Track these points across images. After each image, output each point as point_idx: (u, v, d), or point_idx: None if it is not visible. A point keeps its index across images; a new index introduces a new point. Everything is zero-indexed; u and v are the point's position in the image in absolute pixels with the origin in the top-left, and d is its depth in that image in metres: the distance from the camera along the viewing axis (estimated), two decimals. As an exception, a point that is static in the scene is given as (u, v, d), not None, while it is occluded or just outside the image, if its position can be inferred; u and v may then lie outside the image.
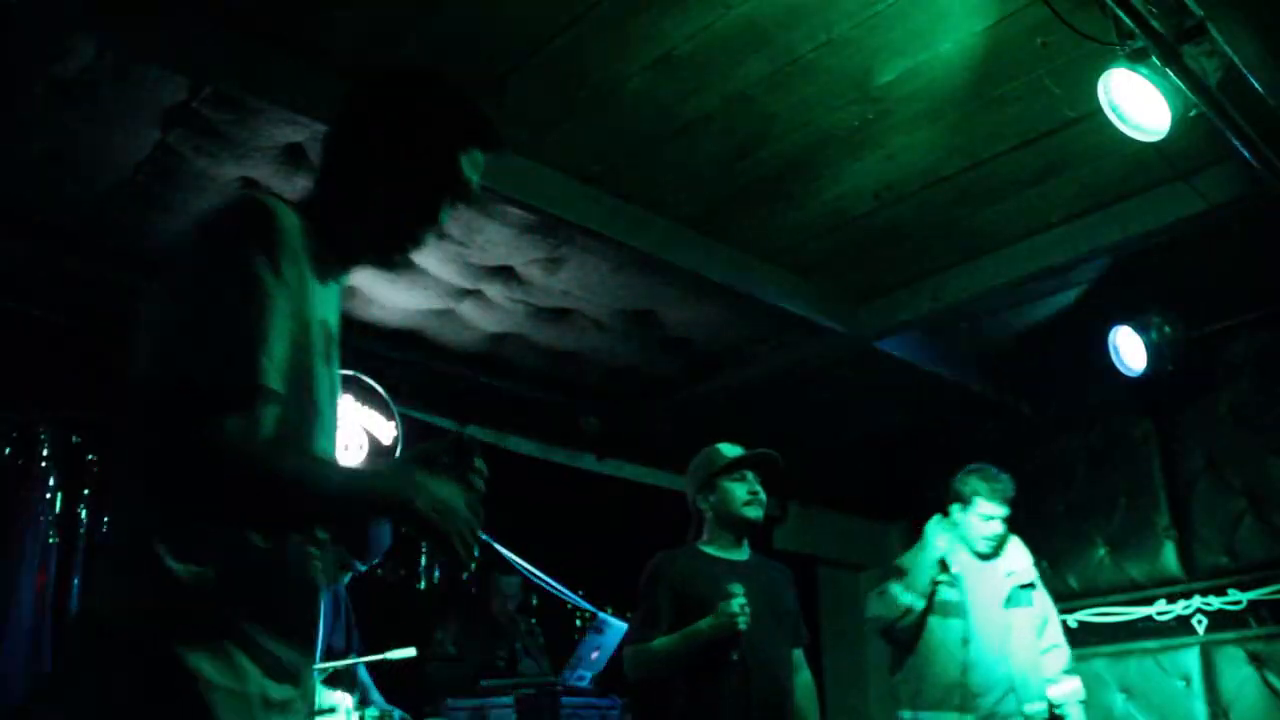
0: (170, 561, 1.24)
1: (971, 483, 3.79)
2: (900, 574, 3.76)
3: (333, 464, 1.49)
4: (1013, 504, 3.77)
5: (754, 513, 3.16)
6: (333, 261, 1.50)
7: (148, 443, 1.31)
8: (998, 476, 3.78)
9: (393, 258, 1.56)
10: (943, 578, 3.72)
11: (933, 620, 3.69)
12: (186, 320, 1.28)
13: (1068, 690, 3.72)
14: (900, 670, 3.78)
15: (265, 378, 1.27)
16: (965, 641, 3.63)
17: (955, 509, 3.84)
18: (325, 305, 1.46)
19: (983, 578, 3.75)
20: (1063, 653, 3.80)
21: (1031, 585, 3.82)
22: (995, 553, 3.80)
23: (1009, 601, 3.72)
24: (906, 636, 3.72)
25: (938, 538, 3.80)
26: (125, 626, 1.24)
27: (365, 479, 1.49)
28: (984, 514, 3.75)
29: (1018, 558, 3.84)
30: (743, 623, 2.83)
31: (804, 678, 3.19)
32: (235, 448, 1.23)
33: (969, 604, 3.68)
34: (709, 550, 3.16)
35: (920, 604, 3.67)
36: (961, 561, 3.77)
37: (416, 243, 1.57)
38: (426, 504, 1.35)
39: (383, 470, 1.63)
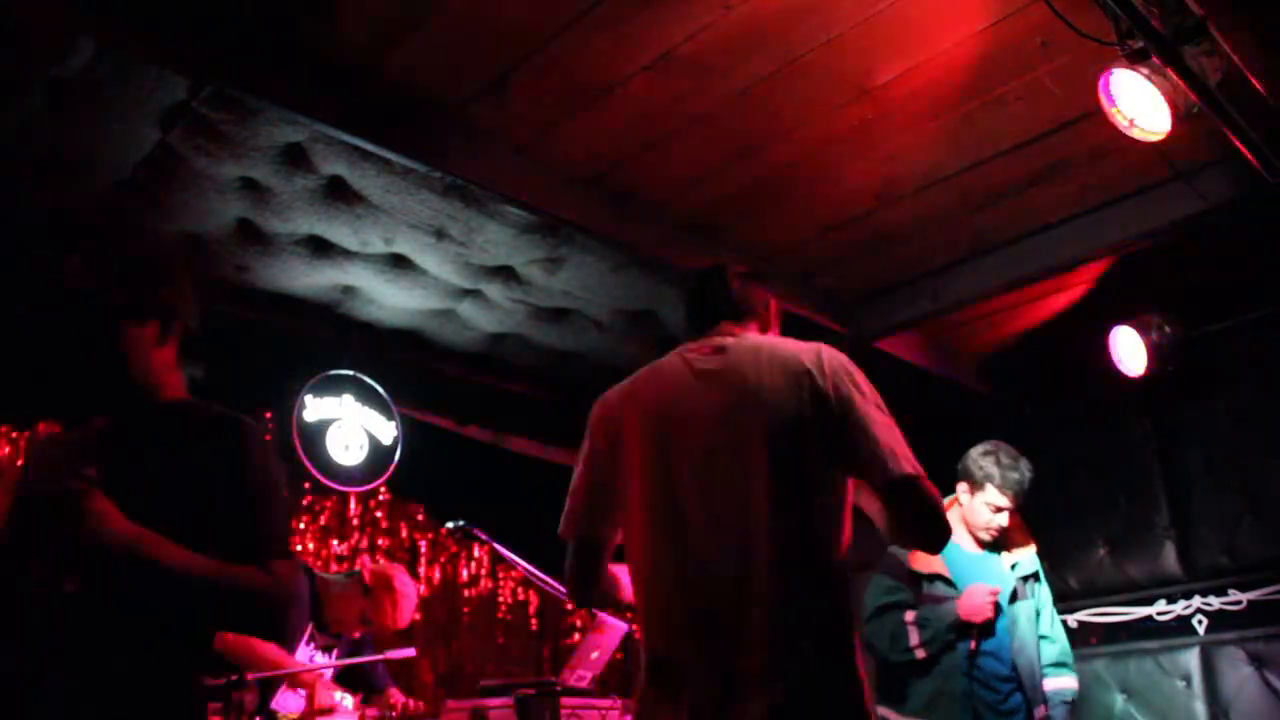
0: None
1: (986, 466, 3.46)
2: (908, 596, 3.42)
3: None
4: (1027, 496, 3.46)
5: None
6: None
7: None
8: (1015, 465, 3.45)
9: None
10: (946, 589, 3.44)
11: (920, 611, 3.41)
12: (895, 432, 1.92)
13: (1056, 685, 3.51)
14: (883, 668, 3.44)
15: None
16: (956, 632, 3.35)
17: (962, 489, 3.53)
18: None
19: (986, 568, 3.51)
20: (1056, 646, 3.58)
21: (1036, 576, 3.59)
22: (998, 543, 3.55)
23: (1013, 596, 3.47)
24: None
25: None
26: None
27: None
28: (992, 504, 3.45)
29: (1022, 548, 3.58)
30: None
31: None
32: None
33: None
34: None
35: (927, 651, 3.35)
36: (961, 549, 3.49)
37: None
38: None
39: None
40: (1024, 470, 3.46)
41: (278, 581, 1.64)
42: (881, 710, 3.42)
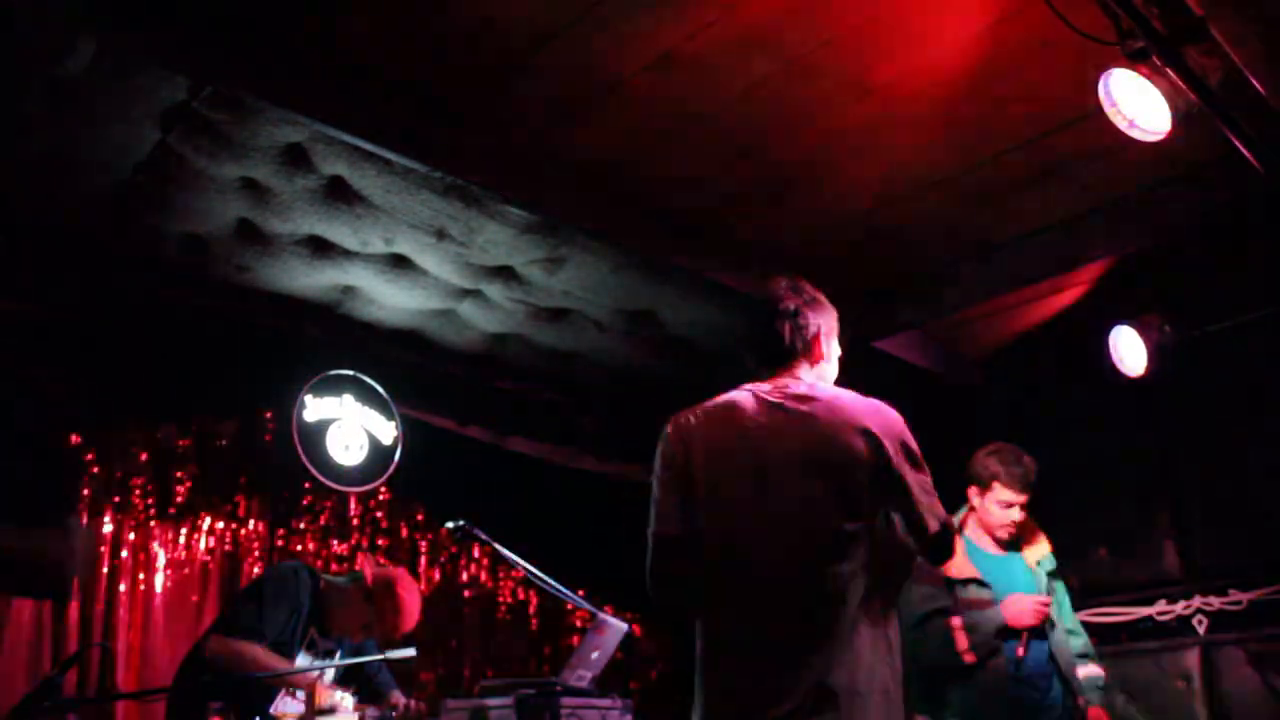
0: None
1: (990, 466, 3.52)
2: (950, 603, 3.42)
3: None
4: (1034, 488, 3.52)
5: None
6: None
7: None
8: (1019, 460, 3.51)
9: None
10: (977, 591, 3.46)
11: (966, 616, 3.42)
12: (928, 484, 2.31)
13: (1089, 673, 3.55)
14: (920, 675, 3.42)
15: None
16: (1003, 635, 3.37)
17: (973, 493, 3.59)
18: None
19: (1011, 568, 3.55)
20: (1081, 639, 3.63)
21: (1054, 573, 3.64)
22: (1016, 541, 3.59)
23: (1043, 591, 3.50)
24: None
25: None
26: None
27: None
28: (1002, 501, 3.51)
29: (1041, 544, 3.64)
30: None
31: None
32: None
33: (1000, 598, 3.42)
34: None
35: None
36: (985, 552, 3.55)
37: None
38: None
39: None
40: (1027, 464, 3.53)
41: (76, 539, 1.59)
42: (919, 719, 3.43)
